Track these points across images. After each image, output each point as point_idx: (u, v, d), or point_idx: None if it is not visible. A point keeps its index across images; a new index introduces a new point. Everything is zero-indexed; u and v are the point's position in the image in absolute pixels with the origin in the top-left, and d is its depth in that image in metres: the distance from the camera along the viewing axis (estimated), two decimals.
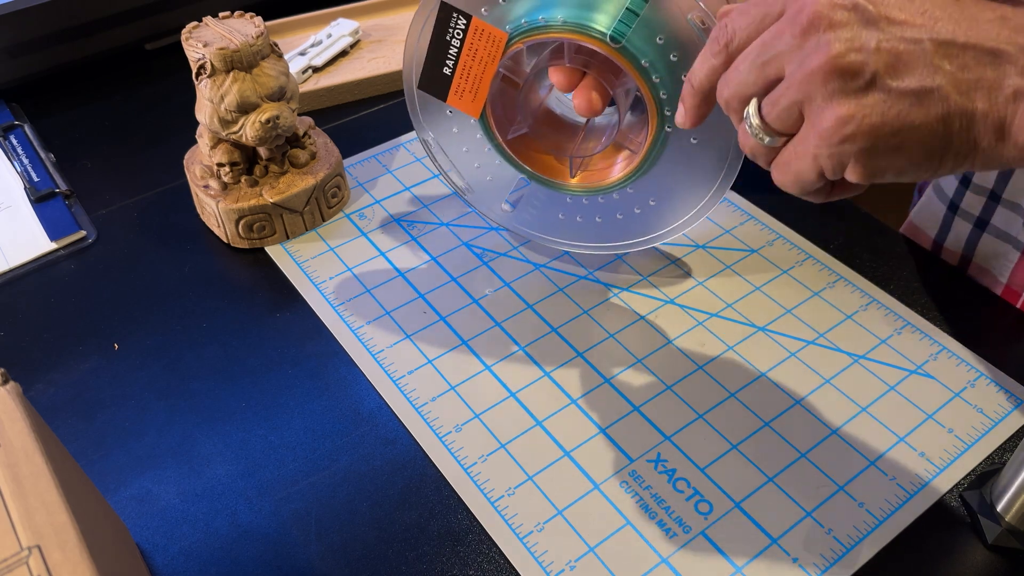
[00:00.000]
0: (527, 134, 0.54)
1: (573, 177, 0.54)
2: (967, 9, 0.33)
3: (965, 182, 0.57)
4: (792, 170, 0.36)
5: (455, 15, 0.48)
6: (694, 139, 0.49)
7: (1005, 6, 0.33)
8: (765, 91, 0.36)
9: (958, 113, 0.33)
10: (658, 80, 0.46)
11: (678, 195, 0.52)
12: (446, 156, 0.57)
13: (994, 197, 0.56)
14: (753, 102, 0.37)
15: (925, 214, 0.60)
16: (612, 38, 0.46)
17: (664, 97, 0.47)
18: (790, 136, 0.36)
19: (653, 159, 0.50)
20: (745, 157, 0.47)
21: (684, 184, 0.52)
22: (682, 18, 0.44)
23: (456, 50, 0.49)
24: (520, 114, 0.53)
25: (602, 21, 0.46)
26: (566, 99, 0.56)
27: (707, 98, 0.40)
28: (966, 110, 0.33)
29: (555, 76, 0.50)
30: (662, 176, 0.52)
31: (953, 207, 0.58)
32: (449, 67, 0.50)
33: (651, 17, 0.45)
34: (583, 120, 0.54)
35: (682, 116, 0.41)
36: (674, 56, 0.46)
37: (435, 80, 0.51)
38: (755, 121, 0.37)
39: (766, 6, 0.36)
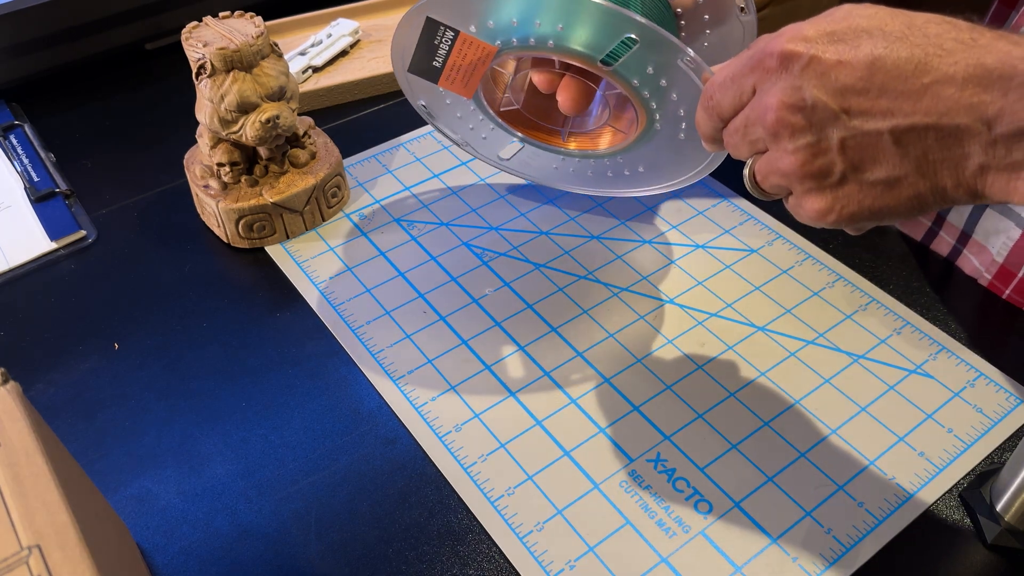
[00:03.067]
0: (518, 108, 0.55)
1: (565, 141, 0.56)
2: (927, 71, 0.32)
3: None
4: (799, 216, 0.38)
5: (442, 28, 0.48)
6: (682, 135, 0.50)
7: (969, 55, 0.32)
8: (759, 153, 0.38)
9: (929, 191, 0.34)
10: (648, 95, 0.47)
11: (666, 169, 0.54)
12: (438, 121, 0.59)
13: None
14: (748, 165, 0.39)
15: None
16: (604, 62, 0.46)
17: (654, 107, 0.48)
18: (787, 194, 0.38)
19: (642, 143, 0.52)
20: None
21: (672, 162, 0.53)
22: (672, 62, 0.45)
23: (445, 52, 0.49)
24: (510, 92, 0.54)
25: (592, 44, 0.46)
26: None
27: (719, 140, 0.41)
28: (936, 187, 0.34)
29: (536, 78, 0.51)
30: (650, 155, 0.53)
31: None
32: (439, 63, 0.50)
33: (641, 53, 0.45)
34: None
35: (704, 145, 0.43)
36: (664, 82, 0.47)
37: (426, 68, 0.50)
38: (749, 184, 0.39)
39: (738, 85, 0.37)
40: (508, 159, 0.59)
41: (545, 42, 0.47)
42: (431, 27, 0.48)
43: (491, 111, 0.55)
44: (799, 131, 0.35)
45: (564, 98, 0.50)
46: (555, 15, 0.46)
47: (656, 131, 0.50)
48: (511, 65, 0.52)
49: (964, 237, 0.58)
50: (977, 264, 0.58)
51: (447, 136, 0.60)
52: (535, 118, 0.56)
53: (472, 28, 0.48)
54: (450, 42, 0.48)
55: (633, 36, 0.45)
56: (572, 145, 0.56)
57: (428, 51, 0.49)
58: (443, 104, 0.57)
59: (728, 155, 0.50)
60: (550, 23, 0.46)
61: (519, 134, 0.56)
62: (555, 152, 0.56)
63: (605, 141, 0.55)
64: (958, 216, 0.58)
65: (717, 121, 0.40)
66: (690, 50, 0.44)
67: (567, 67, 0.49)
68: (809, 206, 0.36)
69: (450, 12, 0.48)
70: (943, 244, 0.60)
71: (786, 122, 0.35)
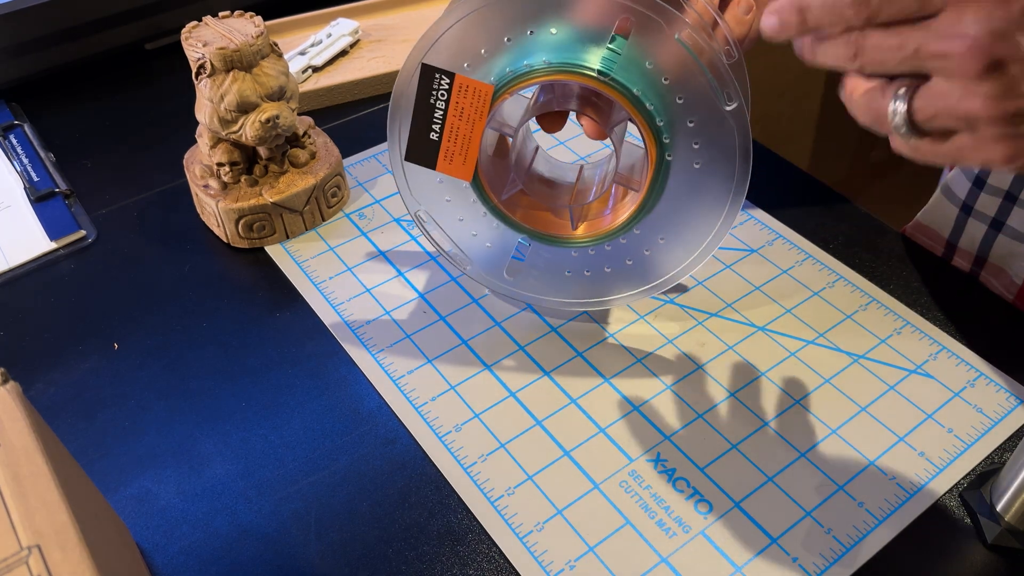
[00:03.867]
0: (522, 191, 0.52)
1: (575, 229, 0.51)
2: None
3: (979, 183, 0.56)
4: (970, 157, 0.34)
5: (438, 75, 0.46)
6: (697, 164, 0.47)
7: None
8: (908, 76, 0.33)
9: None
10: (652, 107, 0.45)
11: (687, 228, 0.49)
12: (440, 229, 0.53)
13: (1010, 198, 0.56)
14: (903, 92, 0.34)
15: (935, 215, 0.59)
16: (600, 72, 0.45)
17: (661, 124, 0.46)
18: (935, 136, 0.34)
19: (657, 193, 0.48)
20: (751, 173, 0.46)
21: (692, 214, 0.49)
22: (670, 40, 0.43)
23: (442, 112, 0.47)
24: (513, 171, 0.52)
25: (588, 58, 0.45)
26: (554, 160, 0.55)
27: (808, 27, 0.35)
28: None
29: (544, 122, 0.50)
30: (668, 211, 0.49)
31: (967, 208, 0.57)
32: (436, 132, 0.48)
33: (637, 44, 0.44)
34: (574, 175, 0.54)
35: (773, 24, 0.36)
36: (666, 80, 0.44)
37: (422, 149, 0.49)
38: (902, 111, 0.34)
39: None
40: (514, 273, 0.53)
41: (540, 60, 0.45)
42: (427, 76, 0.46)
43: (494, 200, 0.51)
44: (1006, 62, 0.31)
45: (586, 124, 0.48)
46: (547, 18, 0.45)
47: (669, 165, 0.47)
48: (512, 128, 0.50)
49: (980, 260, 0.58)
50: (998, 285, 0.57)
51: (449, 257, 0.54)
52: (540, 201, 0.53)
53: (466, 65, 0.47)
54: (446, 92, 0.47)
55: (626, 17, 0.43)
56: (582, 230, 0.51)
57: (425, 114, 0.48)
58: (443, 204, 0.52)
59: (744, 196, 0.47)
60: (543, 28, 0.45)
61: (527, 227, 0.51)
62: (566, 246, 0.51)
63: (623, 211, 0.50)
64: (970, 241, 0.57)
65: (862, 14, 0.33)
66: (686, 19, 0.42)
67: (572, 103, 0.48)
68: (997, 150, 0.33)
69: (444, 58, 0.47)
70: (961, 266, 0.60)
71: (988, 53, 0.31)
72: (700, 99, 0.45)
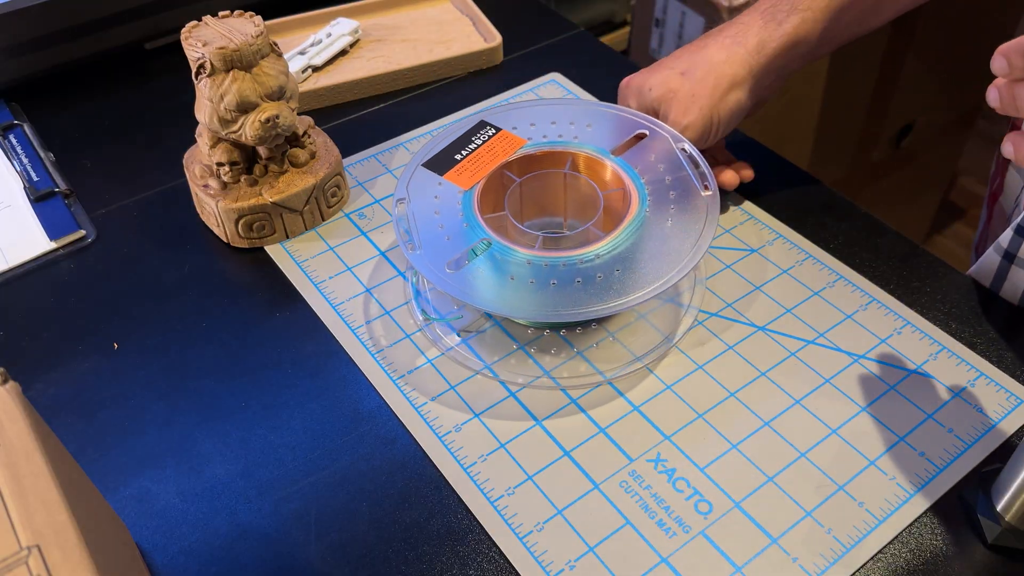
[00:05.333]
0: (506, 215, 0.55)
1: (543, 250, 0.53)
2: None
3: (1021, 231, 0.56)
4: None
5: (488, 127, 0.60)
6: (669, 221, 0.53)
7: None
8: None
9: None
10: (645, 180, 0.55)
11: (645, 266, 0.51)
12: (415, 220, 0.54)
13: None
14: None
15: (983, 267, 0.59)
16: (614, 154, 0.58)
17: (648, 191, 0.55)
18: None
19: (629, 234, 0.52)
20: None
21: (654, 256, 0.51)
22: (671, 148, 0.57)
23: (475, 146, 0.58)
24: (506, 204, 0.56)
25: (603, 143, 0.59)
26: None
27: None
28: None
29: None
30: (634, 249, 0.51)
31: (1009, 256, 0.57)
32: (462, 155, 0.58)
33: (646, 145, 0.58)
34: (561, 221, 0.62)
35: (1003, 66, 0.38)
36: (661, 167, 0.56)
37: (443, 162, 0.58)
38: None
39: None
40: (455, 270, 0.52)
41: (572, 137, 0.59)
42: (479, 126, 0.60)
43: (477, 214, 0.54)
44: None
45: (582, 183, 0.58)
46: (587, 118, 0.60)
47: (645, 217, 0.53)
48: (522, 172, 0.58)
49: None
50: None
51: (401, 235, 0.53)
52: (518, 230, 0.55)
53: (512, 127, 0.60)
54: (487, 137, 0.59)
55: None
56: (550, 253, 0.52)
57: (461, 144, 0.59)
58: (430, 200, 0.55)
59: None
60: (582, 124, 0.60)
61: (492, 233, 0.53)
62: (525, 256, 0.52)
63: (593, 243, 0.52)
64: (1013, 289, 0.56)
65: None
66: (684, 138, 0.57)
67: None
68: None
69: (501, 119, 0.60)
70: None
71: None
72: (683, 181, 0.55)
